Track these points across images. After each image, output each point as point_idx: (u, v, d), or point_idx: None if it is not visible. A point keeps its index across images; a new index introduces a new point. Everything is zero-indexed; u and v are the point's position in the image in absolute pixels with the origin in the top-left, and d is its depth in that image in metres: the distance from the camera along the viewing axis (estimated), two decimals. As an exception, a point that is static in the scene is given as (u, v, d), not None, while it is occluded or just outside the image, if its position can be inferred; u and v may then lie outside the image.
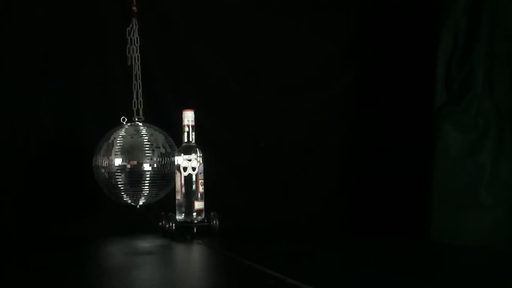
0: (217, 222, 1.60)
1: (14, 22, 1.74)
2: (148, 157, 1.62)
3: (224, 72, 1.96)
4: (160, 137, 1.67)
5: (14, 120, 1.73)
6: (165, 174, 1.65)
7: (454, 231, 1.58)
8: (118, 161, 1.61)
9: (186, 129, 1.64)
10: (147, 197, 1.65)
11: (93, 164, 1.65)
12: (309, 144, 2.03)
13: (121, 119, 1.67)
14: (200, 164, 1.63)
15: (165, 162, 1.65)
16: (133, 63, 1.72)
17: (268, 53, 1.98)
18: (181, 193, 1.62)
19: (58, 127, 1.78)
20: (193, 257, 1.46)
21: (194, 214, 1.61)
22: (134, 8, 1.73)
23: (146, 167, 1.62)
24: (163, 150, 1.65)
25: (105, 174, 1.62)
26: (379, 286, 1.00)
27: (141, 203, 1.66)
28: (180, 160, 1.62)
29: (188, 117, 1.65)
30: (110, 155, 1.61)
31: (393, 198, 1.85)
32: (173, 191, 1.65)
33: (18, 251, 1.53)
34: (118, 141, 1.62)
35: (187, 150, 1.63)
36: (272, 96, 1.99)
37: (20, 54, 1.74)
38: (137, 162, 1.62)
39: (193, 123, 1.65)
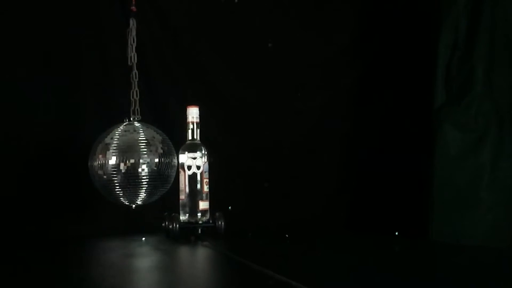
0: (223, 223, 1.56)
1: (14, 22, 1.74)
2: (144, 157, 1.59)
3: (224, 72, 1.96)
4: (157, 137, 1.64)
5: (13, 120, 1.73)
6: (161, 175, 1.61)
7: (454, 231, 1.58)
8: (113, 161, 1.57)
9: (191, 126, 1.60)
10: (143, 197, 1.62)
11: (89, 164, 1.63)
12: (310, 144, 2.03)
13: (125, 120, 1.66)
14: (205, 162, 1.58)
15: (162, 162, 1.61)
16: (132, 62, 1.72)
17: (268, 52, 1.98)
18: (185, 193, 1.57)
19: (58, 127, 1.78)
20: (197, 259, 1.42)
21: (199, 214, 1.56)
22: (133, 8, 1.73)
23: (142, 167, 1.58)
24: (160, 150, 1.61)
25: (101, 174, 1.59)
26: (379, 286, 1.00)
27: (137, 203, 1.63)
28: (184, 158, 1.58)
29: (193, 113, 1.60)
30: (106, 155, 1.58)
31: (393, 198, 1.85)
32: (172, 190, 1.63)
33: (17, 251, 1.53)
34: (114, 141, 1.60)
35: (192, 148, 1.59)
36: (272, 96, 1.99)
37: (20, 54, 1.74)
38: (133, 162, 1.58)
39: (198, 120, 1.60)
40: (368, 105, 2.03)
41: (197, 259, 1.42)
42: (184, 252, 1.48)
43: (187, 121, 1.61)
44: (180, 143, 1.63)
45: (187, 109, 1.61)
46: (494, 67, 1.61)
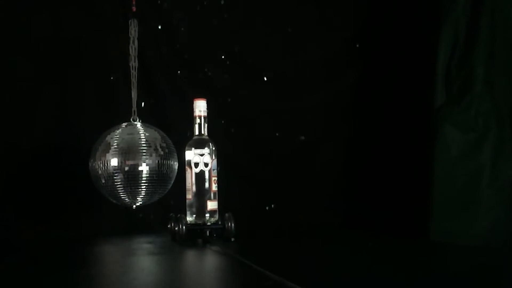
0: (233, 224, 1.47)
1: (14, 22, 1.74)
2: (145, 158, 1.58)
3: (224, 71, 1.96)
4: (157, 137, 1.64)
5: (13, 120, 1.73)
6: (162, 175, 1.60)
7: (454, 231, 1.58)
8: (114, 162, 1.57)
9: (198, 120, 1.50)
10: (143, 197, 1.62)
11: (89, 165, 1.63)
12: (310, 144, 2.03)
13: (131, 119, 1.66)
14: (213, 159, 1.50)
15: (162, 162, 1.59)
16: (132, 62, 1.72)
17: (269, 52, 1.99)
18: (192, 192, 1.49)
19: (58, 128, 1.78)
20: (204, 263, 1.33)
21: (207, 215, 1.49)
22: (134, 8, 1.73)
23: (143, 167, 1.57)
24: (160, 150, 1.61)
25: (102, 174, 1.59)
26: (379, 286, 1.00)
27: (137, 204, 1.63)
28: (191, 155, 1.49)
29: (200, 107, 1.51)
30: (107, 155, 1.58)
31: (393, 198, 1.85)
32: (178, 190, 1.62)
33: (17, 251, 1.53)
34: (114, 142, 1.60)
35: (199, 144, 1.50)
36: (273, 95, 1.99)
37: (20, 54, 1.74)
38: (134, 163, 1.57)
39: (206, 114, 1.51)
40: (368, 105, 2.03)
41: (205, 263, 1.33)
42: (191, 255, 1.41)
43: (194, 115, 1.52)
44: (180, 143, 1.63)
45: (194, 102, 1.53)
46: (494, 67, 1.61)
